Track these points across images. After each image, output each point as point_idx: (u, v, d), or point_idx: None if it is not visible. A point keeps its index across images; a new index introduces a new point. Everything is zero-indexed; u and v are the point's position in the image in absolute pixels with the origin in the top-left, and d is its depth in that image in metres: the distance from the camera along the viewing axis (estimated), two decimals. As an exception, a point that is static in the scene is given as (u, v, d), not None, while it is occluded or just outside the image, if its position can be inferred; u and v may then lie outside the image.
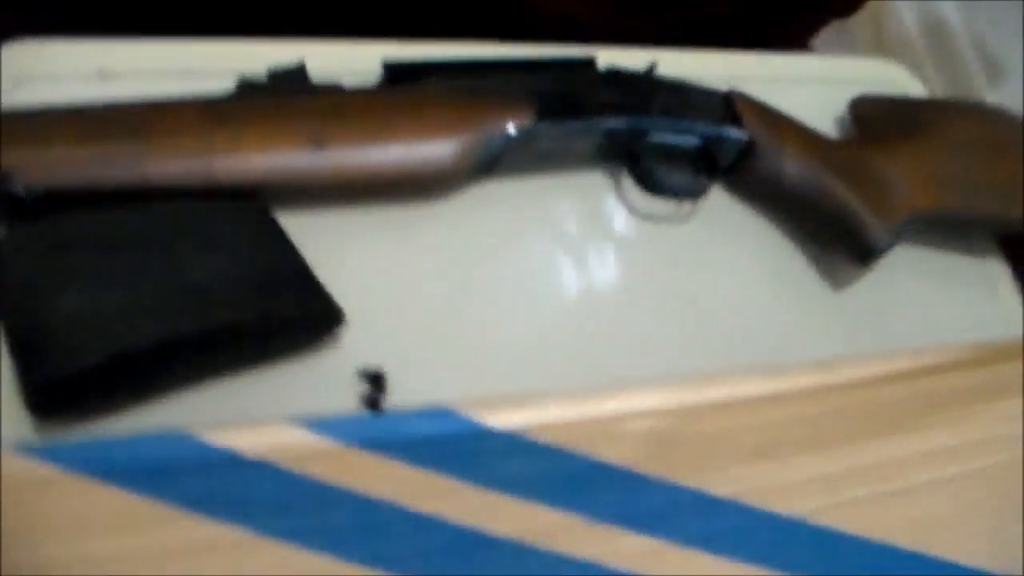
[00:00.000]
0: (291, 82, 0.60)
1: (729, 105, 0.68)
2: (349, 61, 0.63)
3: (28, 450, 0.43)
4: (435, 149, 0.59)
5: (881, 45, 1.21)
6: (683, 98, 0.67)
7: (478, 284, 0.61)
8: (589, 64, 0.67)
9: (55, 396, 0.49)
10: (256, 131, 0.55)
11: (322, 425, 0.47)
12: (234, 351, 0.53)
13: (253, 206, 0.57)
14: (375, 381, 0.56)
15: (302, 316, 0.54)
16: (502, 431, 0.50)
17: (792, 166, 0.67)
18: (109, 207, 0.54)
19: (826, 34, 1.11)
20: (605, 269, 0.65)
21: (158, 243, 0.53)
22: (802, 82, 0.78)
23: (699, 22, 0.99)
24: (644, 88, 0.66)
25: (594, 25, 0.96)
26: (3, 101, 0.58)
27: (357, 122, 0.57)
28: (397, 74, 0.62)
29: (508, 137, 0.61)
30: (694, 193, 0.66)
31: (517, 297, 0.62)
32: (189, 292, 0.51)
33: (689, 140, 0.66)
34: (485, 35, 0.93)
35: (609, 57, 0.68)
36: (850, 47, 1.19)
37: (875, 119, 0.74)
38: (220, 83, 0.60)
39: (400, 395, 0.55)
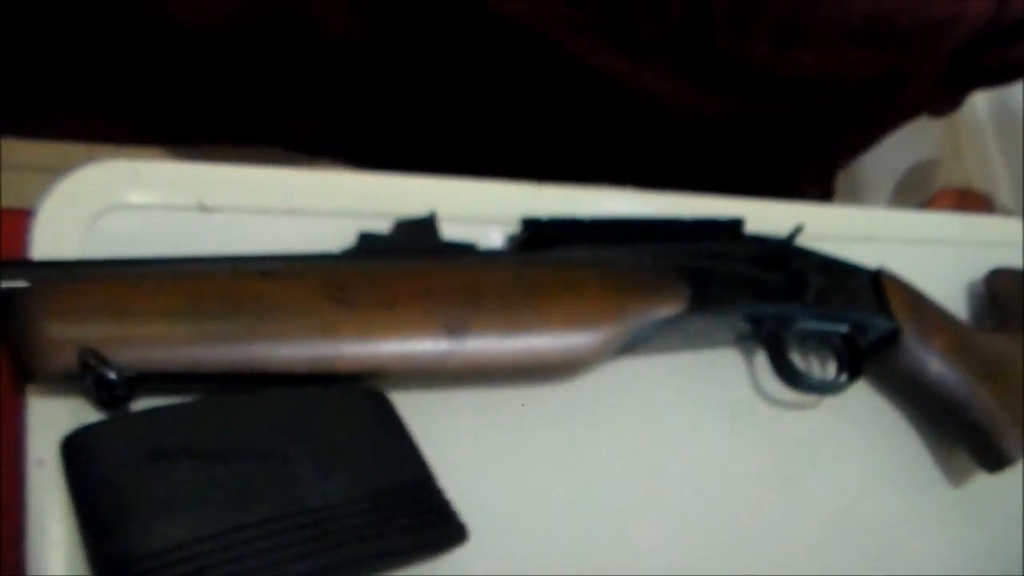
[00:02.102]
0: (419, 237, 0.53)
1: (877, 287, 0.62)
2: (480, 204, 0.56)
3: None
4: (581, 339, 0.52)
5: (954, 131, 1.16)
6: (832, 278, 0.60)
7: (600, 484, 0.55)
8: (736, 226, 0.61)
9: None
10: (387, 316, 0.48)
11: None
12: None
13: (371, 395, 0.50)
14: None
15: (426, 542, 0.47)
16: None
17: (937, 365, 0.62)
18: (209, 393, 0.46)
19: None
20: (729, 458, 0.60)
21: (270, 452, 0.45)
22: (927, 242, 0.72)
23: (794, 111, 0.93)
24: (795, 266, 0.59)
25: (682, 106, 0.89)
26: (86, 234, 0.49)
27: (498, 309, 0.50)
28: (537, 233, 0.55)
29: (656, 325, 0.54)
30: (831, 391, 0.61)
31: (637, 503, 0.56)
32: (305, 521, 0.44)
33: (836, 328, 0.60)
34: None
35: (740, 207, 0.63)
36: (920, 131, 1.13)
37: (1014, 299, 0.69)
38: (335, 224, 0.52)
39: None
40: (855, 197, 1.10)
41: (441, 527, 0.48)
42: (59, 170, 0.93)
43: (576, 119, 0.86)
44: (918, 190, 1.15)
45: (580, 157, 0.92)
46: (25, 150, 0.95)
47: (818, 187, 0.99)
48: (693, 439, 0.59)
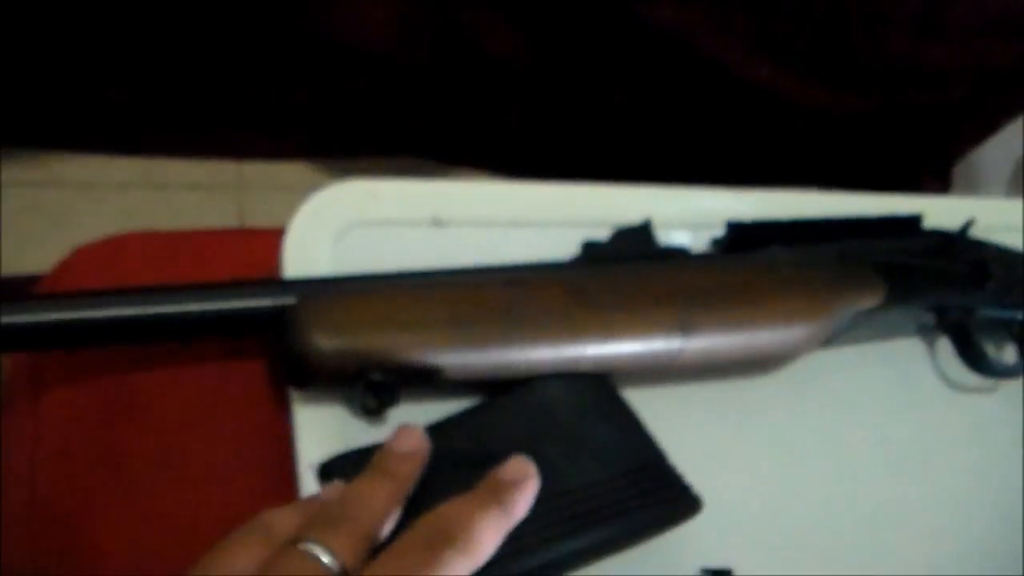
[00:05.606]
0: (637, 243, 0.56)
1: (1050, 275, 0.64)
2: (683, 210, 0.59)
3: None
4: (795, 333, 0.55)
5: None
6: (1009, 267, 0.63)
7: (807, 470, 0.58)
8: (915, 222, 0.64)
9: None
10: (628, 317, 0.51)
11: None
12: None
13: (597, 382, 0.53)
14: (721, 580, 0.53)
15: (671, 515, 0.51)
16: None
17: (1111, 350, 0.64)
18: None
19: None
20: (918, 447, 0.62)
21: (525, 446, 0.49)
22: None
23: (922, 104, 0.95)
24: (975, 257, 0.62)
25: (812, 104, 0.91)
26: (333, 250, 0.53)
27: (723, 307, 0.53)
28: (740, 235, 0.58)
29: (856, 317, 0.57)
30: (1014, 375, 0.63)
31: (842, 489, 0.59)
32: (567, 502, 0.48)
33: (1015, 315, 0.63)
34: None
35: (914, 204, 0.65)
36: None
37: None
38: (556, 233, 0.56)
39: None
40: (972, 186, 1.12)
41: (681, 500, 0.51)
42: (209, 186, 0.97)
43: (710, 120, 0.89)
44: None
45: (707, 155, 0.95)
46: (172, 169, 0.99)
47: (937, 177, 1.01)
48: (884, 422, 0.61)
